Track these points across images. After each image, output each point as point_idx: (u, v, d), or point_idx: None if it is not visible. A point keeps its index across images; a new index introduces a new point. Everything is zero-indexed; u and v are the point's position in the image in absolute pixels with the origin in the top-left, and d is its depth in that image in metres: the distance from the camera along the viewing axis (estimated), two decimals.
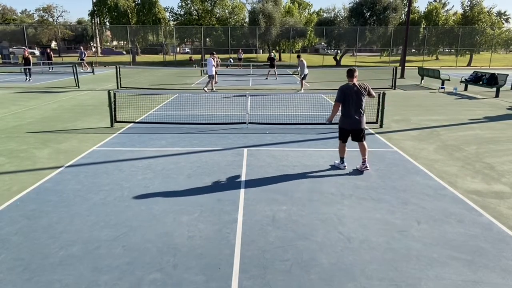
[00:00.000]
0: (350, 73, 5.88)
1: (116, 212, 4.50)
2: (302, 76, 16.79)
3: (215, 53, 18.47)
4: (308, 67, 17.26)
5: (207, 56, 18.68)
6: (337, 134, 6.26)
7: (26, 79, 20.29)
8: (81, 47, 31.61)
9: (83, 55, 28.24)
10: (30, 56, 20.57)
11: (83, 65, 27.44)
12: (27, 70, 20.36)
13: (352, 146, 6.37)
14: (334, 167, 6.25)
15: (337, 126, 6.21)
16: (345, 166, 6.14)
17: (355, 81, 5.88)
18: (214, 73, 16.74)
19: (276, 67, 23.83)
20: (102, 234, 3.98)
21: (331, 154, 6.93)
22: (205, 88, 16.28)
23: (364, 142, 6.01)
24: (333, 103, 6.00)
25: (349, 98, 5.79)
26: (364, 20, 40.74)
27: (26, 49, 21.92)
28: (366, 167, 6.02)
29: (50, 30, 62.30)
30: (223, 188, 5.29)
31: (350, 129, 5.94)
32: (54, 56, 36.55)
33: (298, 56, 17.69)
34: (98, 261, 3.50)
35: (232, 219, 4.35)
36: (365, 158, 6.02)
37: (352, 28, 40.05)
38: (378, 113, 9.50)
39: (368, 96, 6.00)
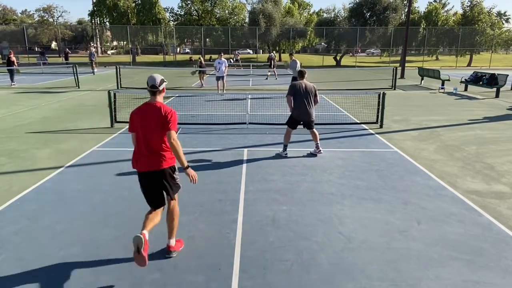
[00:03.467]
0: (301, 74, 6.86)
1: (116, 212, 4.50)
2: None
3: (222, 53, 17.21)
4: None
5: (215, 56, 17.81)
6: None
7: (12, 83, 18.74)
8: (92, 48, 32.88)
9: (93, 56, 29.19)
10: (14, 58, 19.57)
11: (93, 65, 28.66)
12: (11, 72, 18.87)
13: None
14: (279, 156, 6.78)
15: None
16: (286, 154, 6.81)
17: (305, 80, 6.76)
18: (224, 74, 15.78)
19: (276, 67, 23.81)
20: (102, 234, 3.98)
21: (331, 154, 6.94)
22: (220, 91, 15.70)
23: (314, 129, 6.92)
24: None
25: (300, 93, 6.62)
26: (364, 21, 40.75)
27: (11, 51, 21.26)
28: (320, 150, 6.89)
29: (50, 31, 62.36)
30: (223, 188, 5.29)
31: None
32: (54, 56, 36.74)
33: (291, 54, 15.63)
34: (98, 261, 3.50)
35: (232, 219, 4.35)
36: (318, 143, 6.90)
37: (352, 29, 40.05)
38: (378, 113, 9.49)
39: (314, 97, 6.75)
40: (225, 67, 15.68)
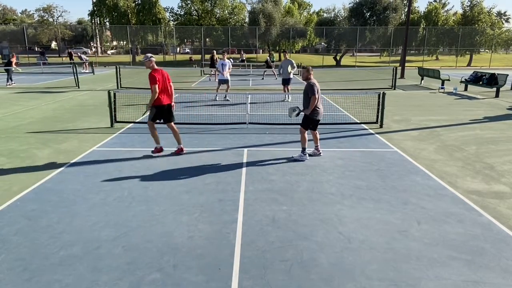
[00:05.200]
0: (309, 71, 6.58)
1: (116, 212, 4.50)
2: (285, 79, 13.66)
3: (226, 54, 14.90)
4: None
5: (218, 56, 16.90)
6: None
7: (8, 83, 18.57)
8: (78, 52, 34.94)
9: (82, 58, 30.23)
10: (14, 60, 19.28)
11: (84, 66, 29.59)
12: (8, 72, 18.78)
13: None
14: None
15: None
16: (307, 157, 6.64)
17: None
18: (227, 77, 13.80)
19: (275, 67, 23.88)
20: (102, 234, 3.98)
21: (331, 154, 6.94)
22: (225, 97, 13.89)
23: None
24: (312, 98, 6.41)
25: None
26: (364, 20, 40.77)
27: (13, 54, 21.25)
28: (320, 153, 6.83)
29: (50, 30, 62.31)
30: (223, 188, 5.29)
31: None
32: (54, 56, 36.88)
33: (284, 52, 14.33)
34: (98, 261, 3.50)
35: (232, 219, 4.35)
36: (318, 145, 6.83)
37: (352, 28, 40.05)
38: (378, 113, 9.49)
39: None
40: (229, 68, 13.85)
